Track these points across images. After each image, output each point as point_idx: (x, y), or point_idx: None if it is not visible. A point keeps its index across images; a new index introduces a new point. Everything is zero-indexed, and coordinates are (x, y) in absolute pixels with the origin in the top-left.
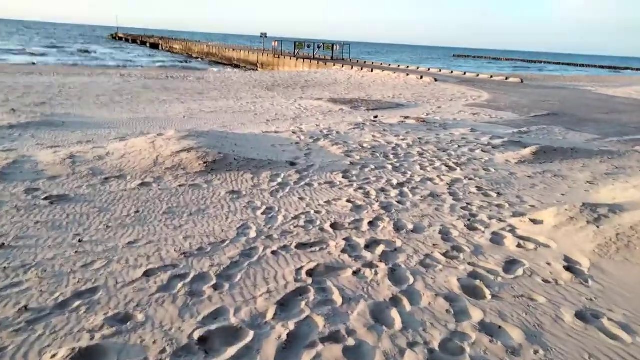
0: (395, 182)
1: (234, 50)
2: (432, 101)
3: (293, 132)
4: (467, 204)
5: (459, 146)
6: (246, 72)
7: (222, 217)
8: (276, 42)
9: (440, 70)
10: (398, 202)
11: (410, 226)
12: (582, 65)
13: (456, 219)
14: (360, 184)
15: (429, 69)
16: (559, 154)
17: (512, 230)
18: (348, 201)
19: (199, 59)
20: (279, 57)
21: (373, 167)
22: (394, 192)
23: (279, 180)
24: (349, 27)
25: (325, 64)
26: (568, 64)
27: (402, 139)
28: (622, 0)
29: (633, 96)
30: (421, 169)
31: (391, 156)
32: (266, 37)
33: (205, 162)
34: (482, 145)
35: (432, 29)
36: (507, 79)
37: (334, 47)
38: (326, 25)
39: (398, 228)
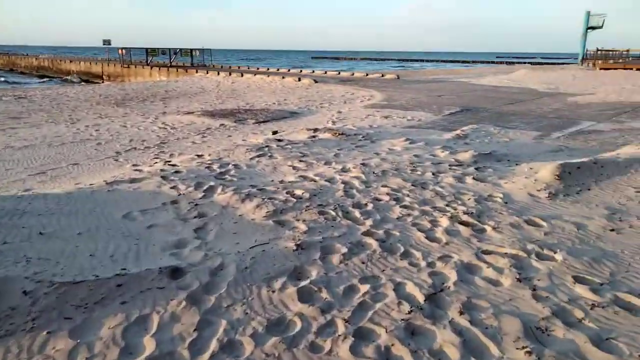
0: (413, 292)
1: (71, 61)
2: (325, 105)
3: (163, 177)
4: (613, 338)
5: (432, 174)
6: (87, 86)
7: None
8: (123, 50)
9: (313, 72)
10: None
11: None
12: (451, 62)
13: None
14: (348, 315)
15: (300, 71)
16: (586, 172)
17: None
18: None
19: (28, 74)
20: (128, 67)
21: (343, 249)
22: (448, 351)
23: (152, 342)
24: (204, 35)
25: (187, 71)
26: (434, 61)
27: (342, 170)
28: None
29: (512, 85)
30: (429, 240)
31: (355, 212)
32: (110, 44)
33: None
34: (457, 167)
35: (289, 34)
36: (383, 75)
37: (194, 52)
38: (181, 33)
39: None
